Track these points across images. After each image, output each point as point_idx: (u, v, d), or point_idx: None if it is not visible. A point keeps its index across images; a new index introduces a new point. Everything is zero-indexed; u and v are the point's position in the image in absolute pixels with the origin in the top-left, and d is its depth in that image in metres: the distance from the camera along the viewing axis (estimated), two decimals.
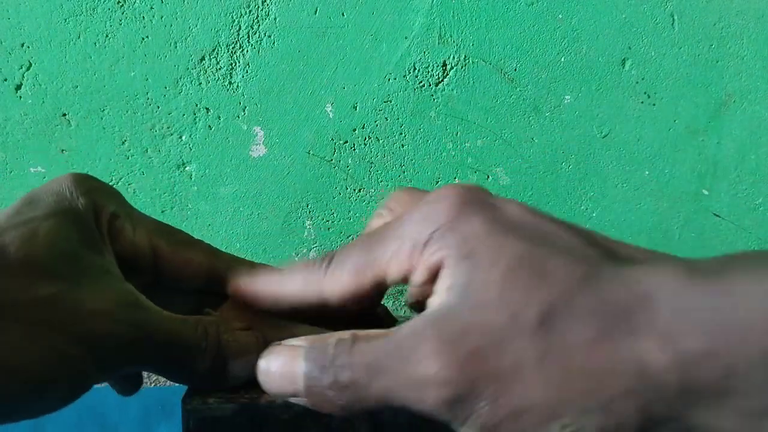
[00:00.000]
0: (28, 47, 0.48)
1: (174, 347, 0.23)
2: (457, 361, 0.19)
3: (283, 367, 0.22)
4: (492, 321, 0.19)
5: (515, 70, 0.50)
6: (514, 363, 0.19)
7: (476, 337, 0.19)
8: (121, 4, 0.47)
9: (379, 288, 0.23)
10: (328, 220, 0.52)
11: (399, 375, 0.20)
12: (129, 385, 0.28)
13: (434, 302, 0.21)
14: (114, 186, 0.50)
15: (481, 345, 0.19)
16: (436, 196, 0.22)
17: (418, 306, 0.22)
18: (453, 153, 0.51)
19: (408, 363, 0.20)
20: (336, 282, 0.23)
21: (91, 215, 0.24)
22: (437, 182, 0.52)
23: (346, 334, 0.21)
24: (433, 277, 0.21)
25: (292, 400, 0.22)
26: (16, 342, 0.20)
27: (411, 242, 0.21)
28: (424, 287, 0.22)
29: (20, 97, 0.48)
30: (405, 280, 0.22)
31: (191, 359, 0.24)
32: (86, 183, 0.25)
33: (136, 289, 0.24)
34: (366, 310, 0.24)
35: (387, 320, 0.34)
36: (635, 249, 0.21)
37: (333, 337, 0.21)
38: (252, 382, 0.27)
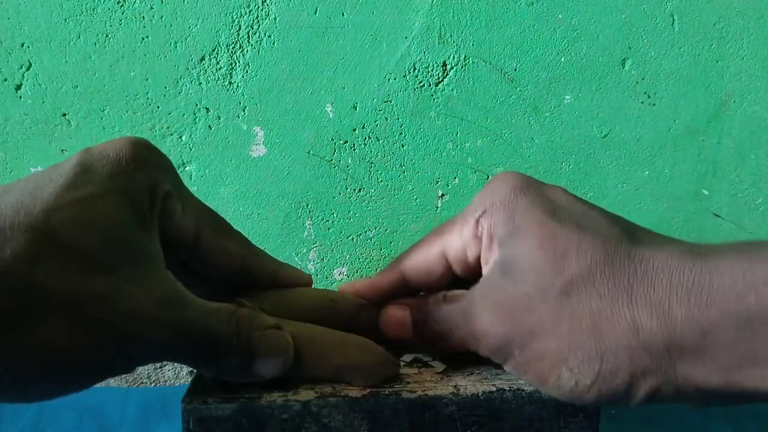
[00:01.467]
0: (28, 47, 0.48)
1: (206, 344, 0.23)
2: (500, 321, 0.25)
3: (400, 317, 0.29)
4: (526, 291, 0.25)
5: (515, 70, 0.50)
6: (538, 322, 0.24)
7: (513, 303, 0.25)
8: (121, 4, 0.47)
9: (444, 260, 0.29)
10: (328, 220, 0.52)
11: (466, 329, 0.27)
12: None
13: (486, 272, 0.27)
14: None
15: (517, 309, 0.25)
16: (494, 180, 0.28)
17: (469, 276, 0.29)
18: (453, 153, 0.51)
19: (470, 322, 0.26)
20: (410, 257, 0.31)
21: (147, 193, 0.23)
22: (437, 182, 0.52)
23: (438, 294, 0.29)
24: (482, 245, 0.27)
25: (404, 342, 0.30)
26: (48, 335, 0.19)
27: (470, 216, 0.28)
28: (475, 261, 0.28)
29: (20, 97, 0.48)
30: (462, 255, 0.29)
31: (220, 355, 0.24)
32: (145, 155, 0.24)
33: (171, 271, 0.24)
34: (438, 287, 0.31)
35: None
36: (654, 234, 0.26)
37: (429, 297, 0.29)
38: (253, 382, 0.27)
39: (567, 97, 0.51)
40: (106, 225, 0.21)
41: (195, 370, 0.29)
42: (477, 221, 0.27)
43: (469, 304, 0.27)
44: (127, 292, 0.21)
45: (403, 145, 0.51)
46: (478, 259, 0.28)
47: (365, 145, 0.51)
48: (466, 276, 0.30)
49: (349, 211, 0.52)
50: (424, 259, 0.30)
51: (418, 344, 0.29)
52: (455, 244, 0.29)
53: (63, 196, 0.21)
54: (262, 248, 0.51)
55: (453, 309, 0.27)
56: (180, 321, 0.22)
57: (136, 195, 0.23)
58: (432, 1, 0.49)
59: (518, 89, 0.51)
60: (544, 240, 0.25)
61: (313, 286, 0.32)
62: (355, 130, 0.51)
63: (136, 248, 0.22)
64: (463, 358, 0.30)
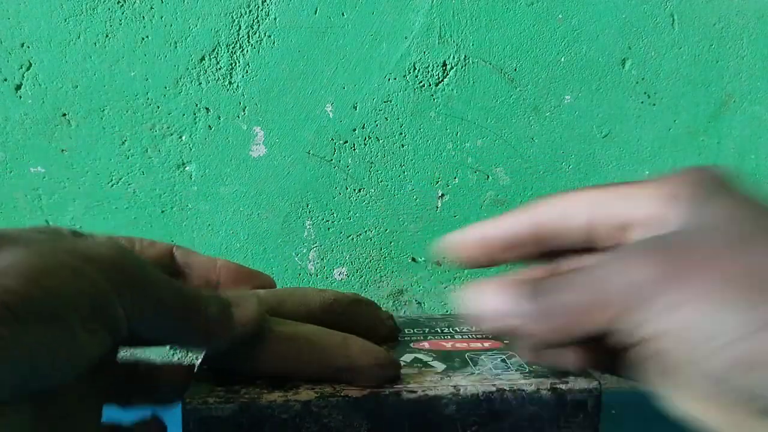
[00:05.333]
0: (28, 47, 0.48)
1: (190, 300, 0.24)
2: (650, 262, 0.18)
3: (505, 297, 0.21)
4: (709, 238, 0.18)
5: (515, 70, 0.50)
6: (708, 276, 0.17)
7: (682, 247, 0.18)
8: (121, 4, 0.47)
9: (587, 211, 0.22)
10: (328, 220, 0.52)
11: (598, 285, 0.19)
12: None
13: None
14: (114, 186, 0.50)
15: (685, 254, 0.18)
16: (680, 175, 0.21)
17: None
18: (453, 153, 0.51)
19: (604, 275, 0.19)
20: (547, 201, 0.23)
21: None
22: (437, 182, 0.52)
23: (560, 264, 0.22)
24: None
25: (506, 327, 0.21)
26: (77, 334, 0.19)
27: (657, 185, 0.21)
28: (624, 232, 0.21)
29: (20, 97, 0.48)
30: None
31: (203, 309, 0.24)
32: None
33: None
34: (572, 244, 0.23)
35: (387, 324, 0.34)
36: None
37: (547, 270, 0.23)
38: (251, 382, 0.27)
39: (567, 97, 0.51)
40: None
41: (194, 371, 0.29)
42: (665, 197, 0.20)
43: (615, 254, 0.19)
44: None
45: (403, 145, 0.51)
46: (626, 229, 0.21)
47: (365, 145, 0.51)
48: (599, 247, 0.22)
49: (349, 211, 0.52)
50: (565, 205, 0.23)
51: (538, 337, 0.21)
52: (620, 204, 0.21)
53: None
54: (261, 248, 0.52)
55: (589, 272, 0.20)
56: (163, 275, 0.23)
57: None
58: (432, 1, 0.49)
59: (518, 89, 0.51)
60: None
61: (313, 287, 0.32)
62: (355, 130, 0.51)
63: None
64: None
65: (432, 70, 0.50)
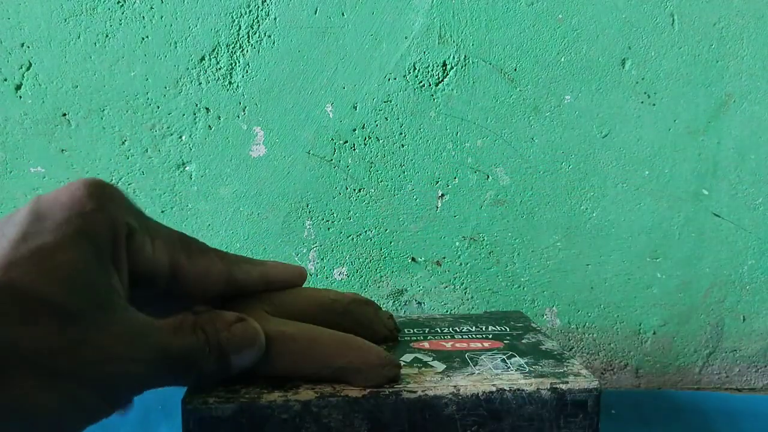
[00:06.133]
0: (28, 47, 0.48)
1: (182, 362, 0.23)
2: None
3: None
4: None
5: (515, 70, 0.50)
6: None
7: None
8: (121, 4, 0.47)
9: None
10: (328, 220, 0.52)
11: None
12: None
13: None
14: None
15: None
16: None
17: None
18: (453, 153, 0.51)
19: None
20: None
21: (108, 233, 0.23)
22: (437, 182, 0.52)
23: None
24: None
25: None
26: (32, 393, 0.19)
27: None
28: None
29: (20, 97, 0.48)
30: None
31: (198, 366, 0.24)
32: (101, 195, 0.23)
33: (145, 300, 0.24)
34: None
35: (387, 324, 0.34)
36: None
37: None
38: (251, 382, 0.27)
39: (567, 97, 0.51)
40: (68, 272, 0.21)
41: None
42: None
43: None
44: (98, 334, 0.20)
45: (403, 145, 0.51)
46: None
47: (365, 145, 0.51)
48: None
49: (349, 211, 0.52)
50: None
51: None
52: None
53: (18, 249, 0.20)
54: (261, 248, 0.52)
55: None
56: (151, 351, 0.22)
57: (95, 237, 0.22)
58: (432, 1, 0.49)
59: (518, 89, 0.51)
60: None
61: (313, 287, 0.32)
62: (355, 130, 0.51)
63: (100, 291, 0.21)
64: None
65: (432, 70, 0.50)
